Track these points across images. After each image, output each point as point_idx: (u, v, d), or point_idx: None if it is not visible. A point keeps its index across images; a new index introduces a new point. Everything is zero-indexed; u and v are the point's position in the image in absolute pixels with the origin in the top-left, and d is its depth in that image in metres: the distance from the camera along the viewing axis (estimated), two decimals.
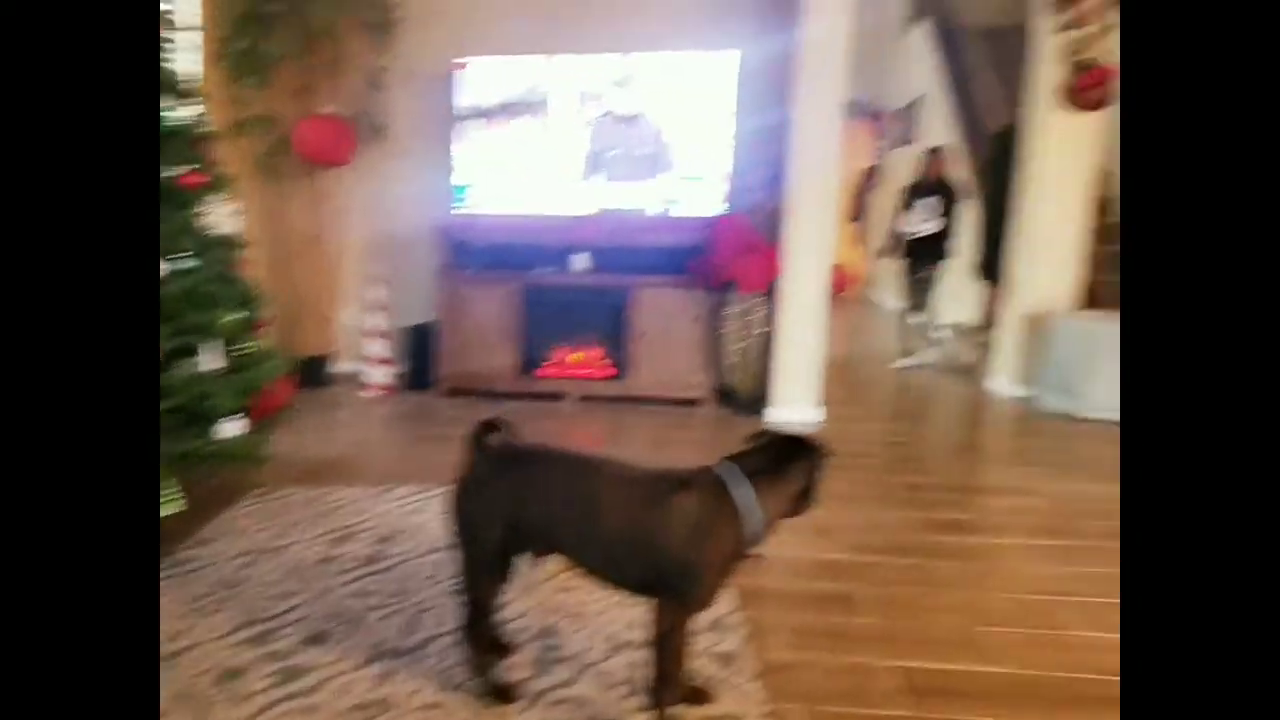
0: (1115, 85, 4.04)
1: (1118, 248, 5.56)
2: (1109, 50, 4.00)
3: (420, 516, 2.63)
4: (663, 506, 1.47)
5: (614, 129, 4.10)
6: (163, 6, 2.35)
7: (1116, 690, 1.72)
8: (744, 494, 1.47)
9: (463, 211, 4.28)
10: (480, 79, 4.15)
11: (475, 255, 4.30)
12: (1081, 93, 4.07)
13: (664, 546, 1.45)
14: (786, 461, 1.51)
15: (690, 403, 4.10)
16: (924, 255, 5.11)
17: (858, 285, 9.88)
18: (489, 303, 4.16)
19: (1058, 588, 2.20)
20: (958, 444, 3.76)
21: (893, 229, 5.32)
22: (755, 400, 4.02)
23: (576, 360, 4.20)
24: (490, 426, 1.63)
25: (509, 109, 4.18)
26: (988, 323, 5.26)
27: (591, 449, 3.45)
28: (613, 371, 4.15)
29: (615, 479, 1.56)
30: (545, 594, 2.11)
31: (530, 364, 4.21)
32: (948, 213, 5.01)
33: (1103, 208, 4.55)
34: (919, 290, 5.20)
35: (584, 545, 1.56)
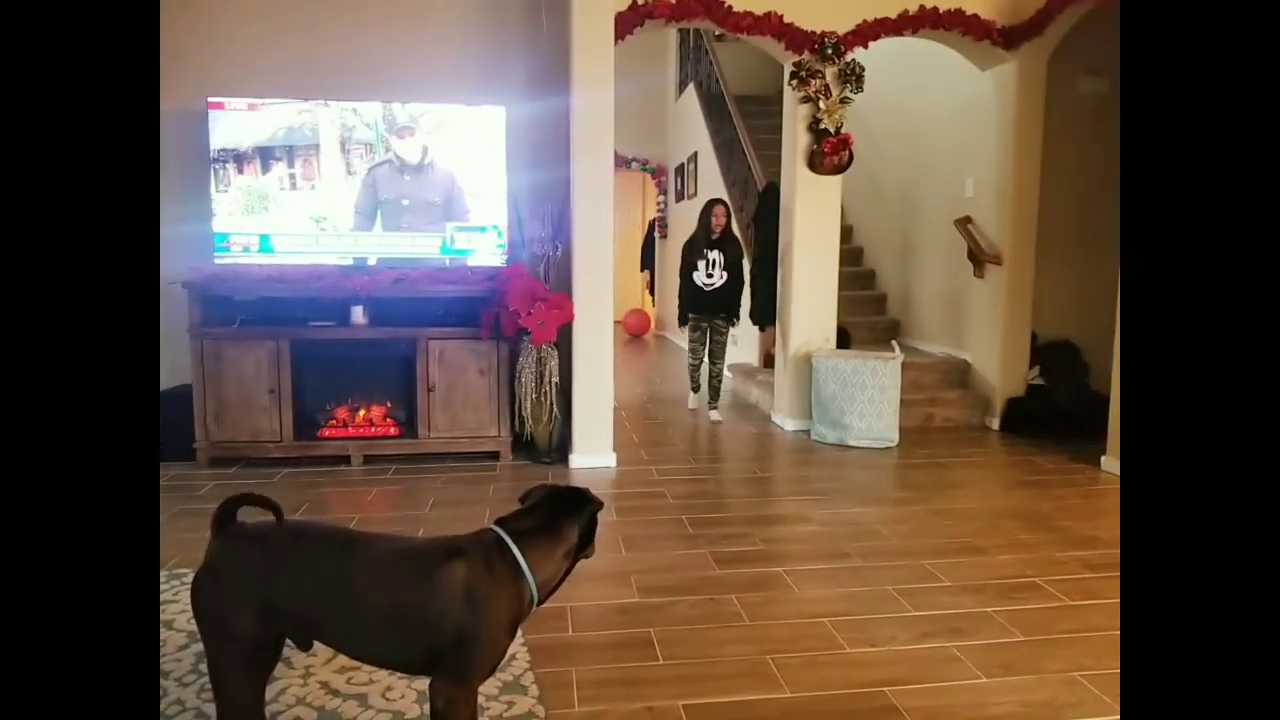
0: (850, 151, 4.62)
1: (861, 293, 6.33)
2: (841, 120, 4.59)
3: (176, 606, 2.30)
4: (432, 578, 1.39)
5: (397, 177, 3.99)
6: None
7: (882, 701, 1.89)
8: (518, 556, 1.44)
9: (225, 261, 3.90)
10: (240, 121, 3.86)
11: (239, 309, 3.92)
12: (825, 157, 4.61)
13: (437, 621, 1.37)
14: (559, 517, 1.51)
15: (488, 456, 4.00)
16: (714, 308, 5.02)
17: (651, 328, 10.35)
18: (255, 361, 3.79)
19: (831, 609, 2.39)
20: (744, 479, 4.00)
21: (684, 283, 5.13)
22: (553, 449, 4.02)
23: (361, 419, 3.94)
24: (239, 503, 1.46)
25: (276, 154, 3.91)
26: (766, 363, 5.69)
27: (369, 518, 3.24)
28: (399, 430, 3.95)
29: (378, 553, 1.46)
30: (324, 675, 1.92)
31: (309, 426, 3.88)
32: (733, 265, 4.97)
33: (844, 258, 5.14)
34: (710, 341, 5.12)
35: (349, 629, 1.43)
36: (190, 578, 2.45)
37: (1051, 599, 2.48)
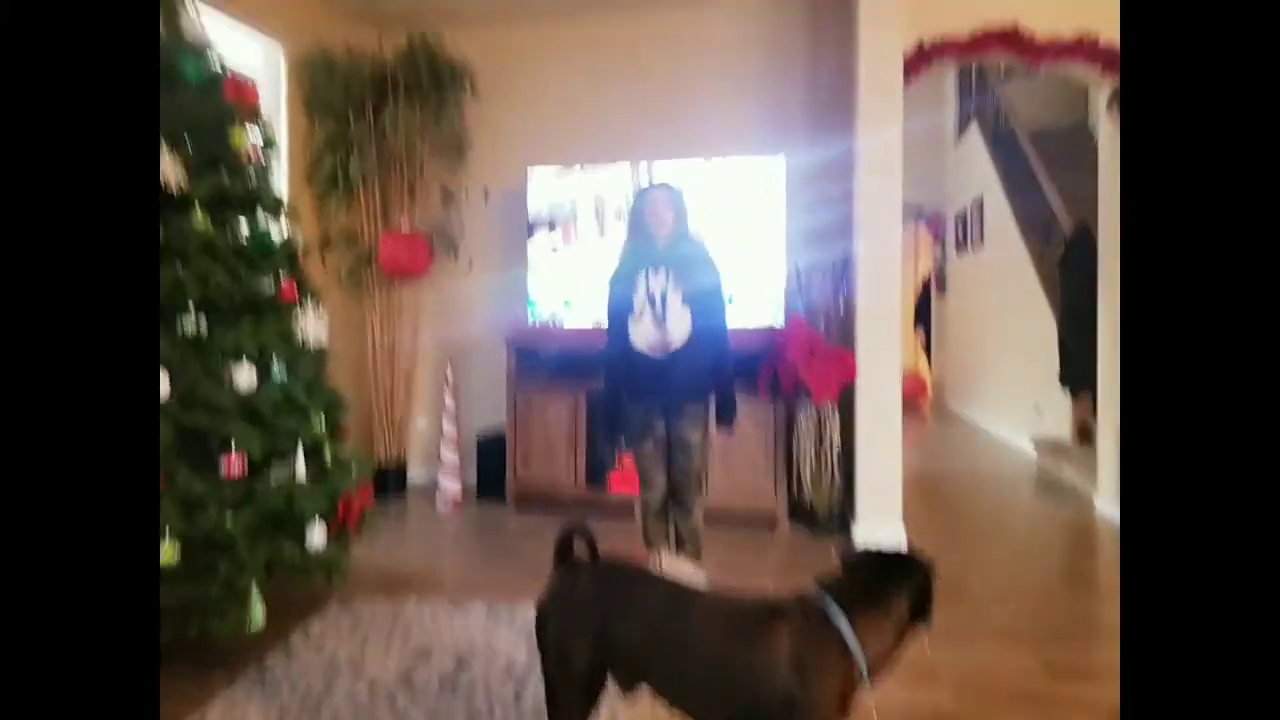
0: None
1: None
2: None
3: (496, 635, 2.52)
4: (761, 639, 1.36)
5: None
6: (265, 134, 2.50)
7: None
8: (845, 624, 1.35)
9: (535, 320, 4.33)
10: (546, 190, 4.28)
11: (544, 363, 4.32)
12: None
13: (764, 684, 1.33)
14: (888, 584, 1.39)
15: (764, 519, 3.91)
16: (671, 385, 2.67)
17: (929, 395, 9.60)
18: (557, 411, 4.14)
19: None
20: (1070, 575, 3.39)
21: (611, 344, 2.78)
22: (834, 518, 3.82)
23: None
24: (573, 533, 1.60)
25: (573, 218, 4.29)
26: (1082, 438, 4.95)
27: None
28: None
29: (703, 605, 1.47)
30: None
31: (599, 473, 4.12)
32: (703, 299, 2.67)
33: None
34: (672, 456, 2.75)
35: (673, 674, 1.45)
36: (507, 613, 2.68)
37: None
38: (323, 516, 2.41)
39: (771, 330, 3.94)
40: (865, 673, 1.35)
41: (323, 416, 2.53)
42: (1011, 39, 4.01)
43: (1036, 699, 2.18)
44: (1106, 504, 4.18)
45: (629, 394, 2.70)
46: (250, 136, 2.40)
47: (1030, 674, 2.34)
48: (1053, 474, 5.18)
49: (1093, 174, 4.41)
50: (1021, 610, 2.84)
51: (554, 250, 4.29)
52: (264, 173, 2.44)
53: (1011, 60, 4.13)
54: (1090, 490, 4.44)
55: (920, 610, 1.41)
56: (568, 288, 4.28)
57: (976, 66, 7.74)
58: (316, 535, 2.42)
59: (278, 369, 2.33)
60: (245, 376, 2.20)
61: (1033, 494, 4.80)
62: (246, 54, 3.87)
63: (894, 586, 1.39)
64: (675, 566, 2.81)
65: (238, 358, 2.20)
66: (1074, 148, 6.08)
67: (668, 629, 1.43)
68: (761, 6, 4.38)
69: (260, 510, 2.19)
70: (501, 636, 2.51)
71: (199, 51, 2.28)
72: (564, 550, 1.60)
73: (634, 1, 4.37)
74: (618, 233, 4.18)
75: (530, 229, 4.31)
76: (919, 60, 4.00)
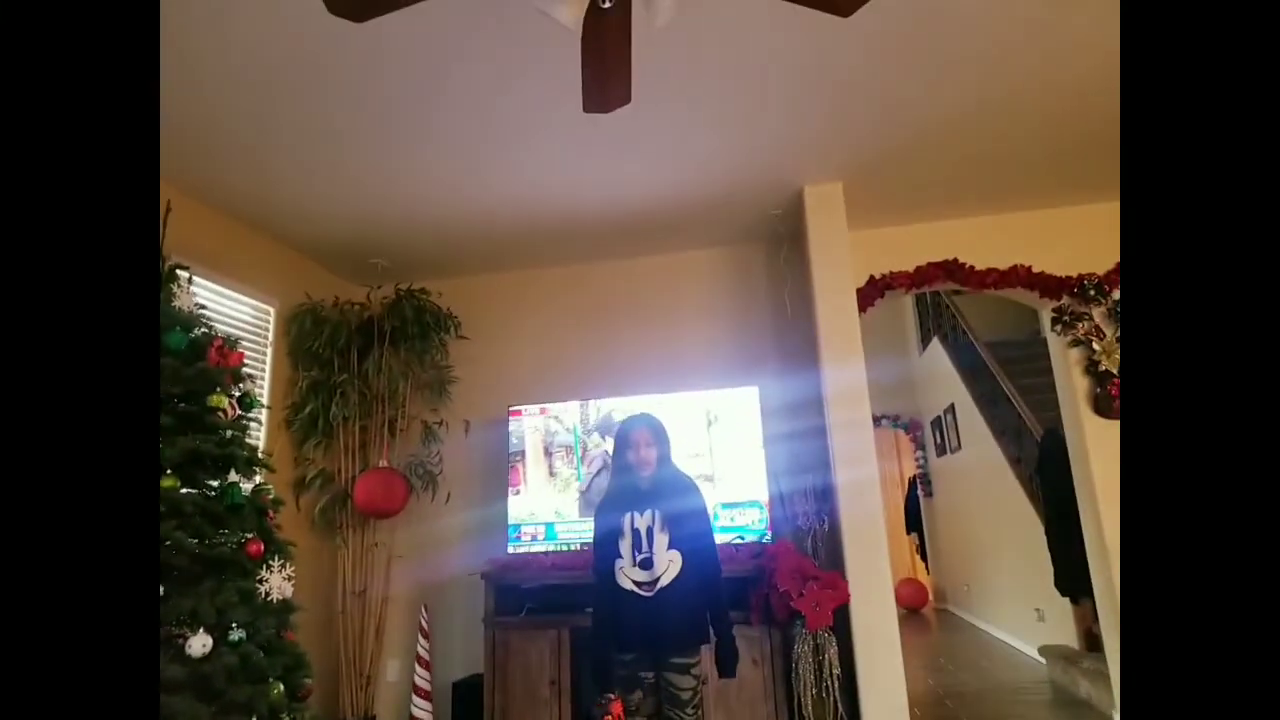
0: None
1: None
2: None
3: None
4: None
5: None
6: (245, 394, 2.58)
7: None
8: None
9: (515, 551, 4.22)
10: (529, 425, 4.39)
11: (526, 596, 4.14)
12: (1115, 400, 4.12)
13: None
14: None
15: None
16: (660, 634, 2.55)
17: (930, 600, 9.23)
18: (539, 651, 3.90)
19: None
20: None
21: (599, 586, 2.68)
22: None
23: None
24: None
25: (554, 451, 4.35)
26: (1090, 645, 4.71)
27: None
28: None
29: None
30: None
31: None
32: (691, 534, 2.60)
33: None
34: (664, 705, 2.60)
35: None
36: None
37: None
38: None
39: (758, 544, 3.87)
40: None
41: (282, 681, 2.37)
42: (953, 269, 4.40)
43: None
44: None
45: (617, 642, 2.58)
46: (230, 396, 2.49)
47: None
48: (1065, 686, 4.86)
49: (1053, 381, 4.61)
50: None
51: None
52: (240, 431, 2.50)
53: (955, 287, 4.50)
54: (1107, 704, 4.18)
55: None
56: (557, 515, 4.24)
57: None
58: None
59: (236, 632, 2.22)
60: (199, 644, 2.10)
61: (1049, 713, 4.47)
62: (238, 310, 4.09)
63: None
64: None
65: (193, 624, 2.11)
66: (1032, 357, 6.39)
67: None
68: (726, 252, 4.80)
69: None
70: None
71: (187, 324, 2.43)
72: None
73: (609, 250, 4.78)
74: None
75: (513, 459, 4.33)
76: (872, 291, 4.36)
